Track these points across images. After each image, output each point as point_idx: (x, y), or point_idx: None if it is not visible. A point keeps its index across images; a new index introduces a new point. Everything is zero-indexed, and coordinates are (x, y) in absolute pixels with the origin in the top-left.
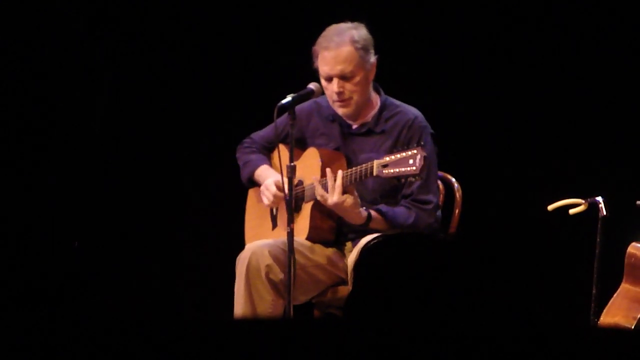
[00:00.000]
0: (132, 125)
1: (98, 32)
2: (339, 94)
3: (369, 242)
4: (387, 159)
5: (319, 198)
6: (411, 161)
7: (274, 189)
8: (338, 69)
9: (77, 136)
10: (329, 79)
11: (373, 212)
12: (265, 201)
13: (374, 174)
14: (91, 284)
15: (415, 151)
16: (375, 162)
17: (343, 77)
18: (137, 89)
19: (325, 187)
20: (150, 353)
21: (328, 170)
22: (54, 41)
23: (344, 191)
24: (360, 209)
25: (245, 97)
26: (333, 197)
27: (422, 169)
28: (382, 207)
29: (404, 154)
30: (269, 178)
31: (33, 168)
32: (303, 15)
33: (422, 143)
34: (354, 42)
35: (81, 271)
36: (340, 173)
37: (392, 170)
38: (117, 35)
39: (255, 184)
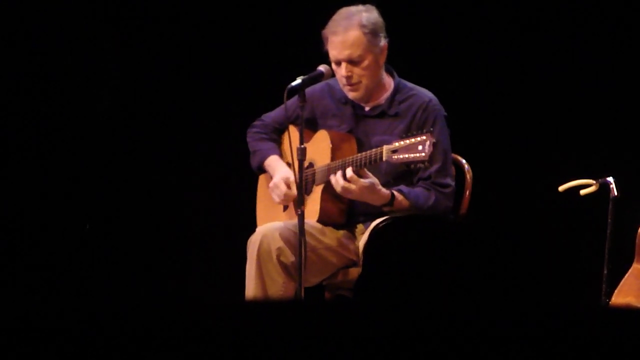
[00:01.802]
0: (143, 106)
1: (103, 21)
2: (348, 78)
3: (378, 224)
4: (397, 144)
5: (339, 191)
6: (420, 147)
7: (284, 187)
8: (346, 53)
9: (90, 115)
10: (338, 63)
11: (395, 192)
12: (276, 199)
13: (383, 159)
14: (103, 268)
15: (424, 137)
16: (385, 148)
17: (351, 62)
18: (147, 70)
19: (331, 171)
20: (162, 335)
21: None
22: (60, 36)
23: (358, 175)
24: (382, 188)
25: (257, 79)
26: (352, 185)
27: (431, 155)
28: (403, 187)
29: (413, 139)
30: (277, 174)
31: (45, 154)
32: None
33: (431, 129)
34: (362, 26)
35: (93, 254)
36: (349, 170)
37: (401, 156)
38: (124, 17)
39: (264, 172)
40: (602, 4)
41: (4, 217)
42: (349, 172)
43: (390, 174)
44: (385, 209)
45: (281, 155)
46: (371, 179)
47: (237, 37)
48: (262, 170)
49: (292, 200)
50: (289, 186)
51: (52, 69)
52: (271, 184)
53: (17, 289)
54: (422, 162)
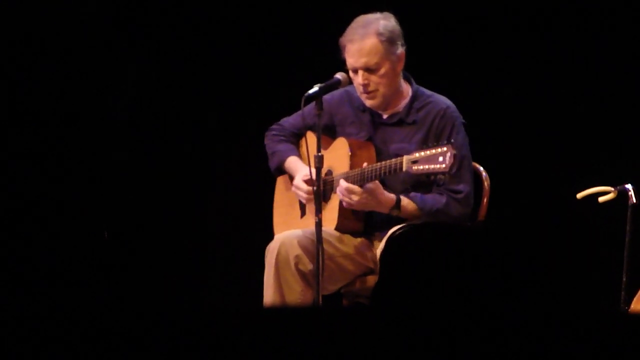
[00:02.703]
0: (159, 113)
1: (121, 20)
2: (365, 86)
3: (394, 231)
4: (417, 155)
5: (345, 205)
6: (441, 158)
7: (304, 187)
8: (362, 61)
9: (107, 124)
10: (355, 71)
11: (402, 196)
12: (302, 199)
13: (404, 169)
14: (121, 275)
15: (445, 148)
16: (405, 158)
17: (368, 70)
18: (164, 76)
19: (349, 180)
20: (180, 342)
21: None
22: (78, 34)
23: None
24: (385, 191)
25: (275, 85)
26: (355, 197)
27: (451, 166)
28: (412, 193)
29: (433, 150)
30: (298, 174)
31: (62, 159)
32: (335, 4)
33: (452, 141)
34: (378, 34)
35: (111, 262)
36: (342, 182)
37: (421, 167)
38: (142, 21)
39: (284, 173)
40: (623, 13)
41: (22, 223)
42: (344, 183)
43: (408, 182)
44: (394, 213)
45: (300, 158)
46: (369, 185)
47: (257, 43)
48: (280, 171)
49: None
50: (309, 183)
51: (71, 75)
52: (293, 187)
53: (36, 297)
54: (443, 173)
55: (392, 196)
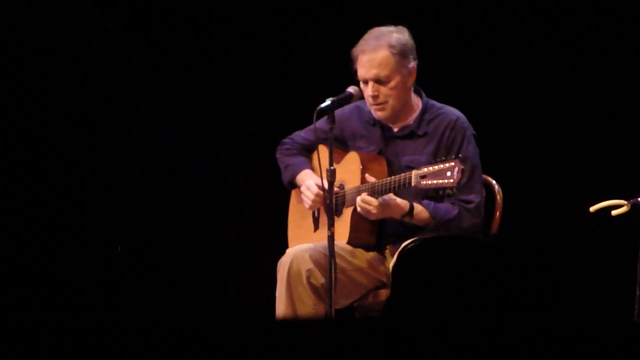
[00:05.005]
0: (171, 126)
1: (134, 33)
2: (374, 97)
3: (406, 245)
4: (425, 169)
5: (361, 211)
6: (449, 173)
7: (315, 189)
8: (373, 72)
9: (117, 138)
10: (365, 82)
11: (415, 203)
12: (307, 202)
13: (412, 184)
14: (134, 288)
15: (453, 163)
16: (414, 173)
17: (378, 81)
18: (177, 89)
19: (361, 194)
20: (191, 354)
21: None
22: (89, 45)
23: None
24: (397, 198)
25: (287, 98)
26: (373, 209)
27: (459, 181)
28: (425, 201)
29: (442, 165)
30: (310, 180)
31: (73, 171)
32: (348, 17)
33: (460, 155)
34: (390, 46)
35: (123, 274)
36: (364, 196)
37: (429, 182)
38: (153, 34)
39: (296, 186)
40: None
41: (34, 238)
42: (364, 195)
43: (419, 194)
44: (406, 219)
45: (313, 171)
46: (385, 197)
47: (269, 57)
48: (293, 185)
49: (323, 204)
50: (321, 190)
51: (83, 92)
52: (303, 187)
53: (51, 311)
54: (451, 188)
55: (406, 202)
